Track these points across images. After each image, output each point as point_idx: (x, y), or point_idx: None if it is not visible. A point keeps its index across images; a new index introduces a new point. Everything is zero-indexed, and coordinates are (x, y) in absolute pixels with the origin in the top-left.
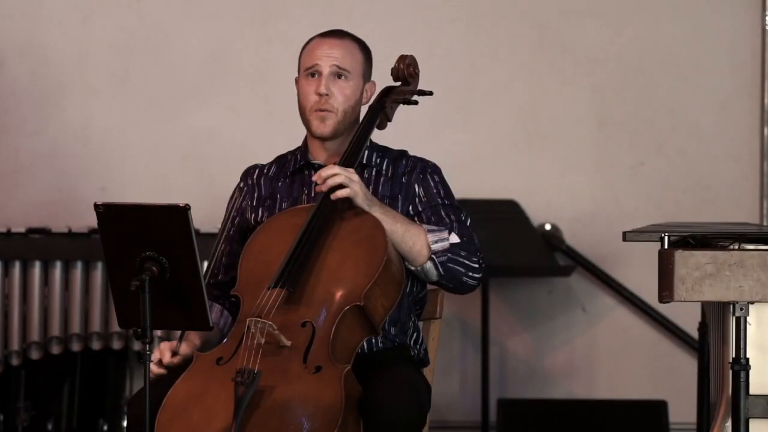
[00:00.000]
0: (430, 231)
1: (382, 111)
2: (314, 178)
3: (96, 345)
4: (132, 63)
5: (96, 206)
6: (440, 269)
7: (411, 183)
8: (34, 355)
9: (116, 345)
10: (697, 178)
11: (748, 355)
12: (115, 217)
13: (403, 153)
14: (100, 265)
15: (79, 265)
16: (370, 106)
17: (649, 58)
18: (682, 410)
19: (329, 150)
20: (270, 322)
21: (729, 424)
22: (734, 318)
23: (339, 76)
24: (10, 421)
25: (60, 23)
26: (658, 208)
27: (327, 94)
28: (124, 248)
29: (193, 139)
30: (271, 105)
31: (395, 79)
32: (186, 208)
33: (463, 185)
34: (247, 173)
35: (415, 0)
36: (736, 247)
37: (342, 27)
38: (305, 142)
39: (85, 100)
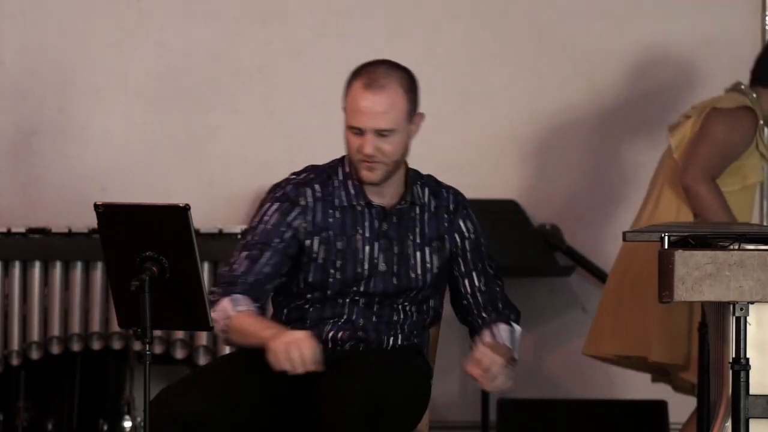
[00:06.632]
0: (512, 346)
1: None
2: (476, 375)
3: (96, 345)
4: (132, 63)
5: (96, 206)
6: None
7: (457, 222)
8: (34, 355)
9: (116, 345)
10: None
11: (748, 355)
12: (115, 217)
13: (436, 182)
14: (100, 265)
15: (79, 265)
16: None
17: (649, 58)
18: (682, 410)
19: (383, 188)
20: None
21: (729, 424)
22: (734, 318)
23: (382, 135)
24: (10, 421)
25: (60, 23)
26: None
27: (373, 155)
28: (124, 248)
29: (193, 139)
30: (271, 105)
31: None
32: (186, 208)
33: (463, 185)
34: (299, 190)
35: (415, 0)
36: (736, 247)
37: (342, 27)
38: (355, 171)
39: (85, 100)
